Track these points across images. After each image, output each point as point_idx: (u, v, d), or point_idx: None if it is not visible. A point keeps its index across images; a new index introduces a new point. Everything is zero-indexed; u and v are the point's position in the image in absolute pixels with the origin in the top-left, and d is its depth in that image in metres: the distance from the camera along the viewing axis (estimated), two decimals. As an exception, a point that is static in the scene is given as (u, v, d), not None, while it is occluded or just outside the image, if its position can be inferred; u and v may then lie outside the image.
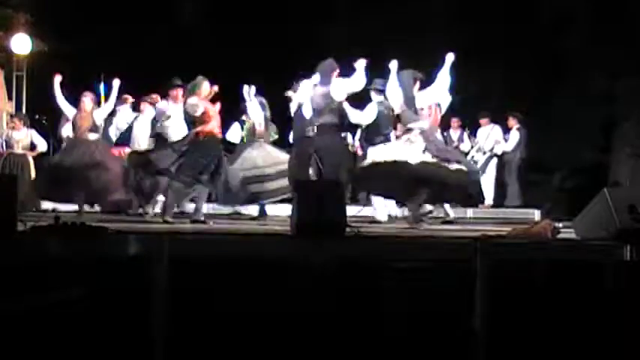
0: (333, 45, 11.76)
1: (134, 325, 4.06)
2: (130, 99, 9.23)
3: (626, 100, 11.01)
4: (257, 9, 12.28)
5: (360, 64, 7.27)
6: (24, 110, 11.14)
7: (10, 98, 11.31)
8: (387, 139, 7.85)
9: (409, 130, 7.07)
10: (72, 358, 4.02)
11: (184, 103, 7.60)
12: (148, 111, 8.68)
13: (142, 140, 8.57)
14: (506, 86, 7.77)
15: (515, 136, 10.65)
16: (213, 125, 7.38)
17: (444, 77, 7.11)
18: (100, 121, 8.22)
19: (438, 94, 7.19)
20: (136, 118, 8.84)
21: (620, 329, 4.15)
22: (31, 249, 4.24)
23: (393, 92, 7.19)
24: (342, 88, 7.33)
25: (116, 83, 8.08)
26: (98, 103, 8.75)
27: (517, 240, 5.09)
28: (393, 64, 7.16)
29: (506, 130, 10.80)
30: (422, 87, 7.20)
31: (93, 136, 8.11)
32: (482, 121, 10.83)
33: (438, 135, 7.73)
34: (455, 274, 4.19)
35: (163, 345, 4.09)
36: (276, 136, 9.15)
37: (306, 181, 7.08)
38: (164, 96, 8.15)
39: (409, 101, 7.07)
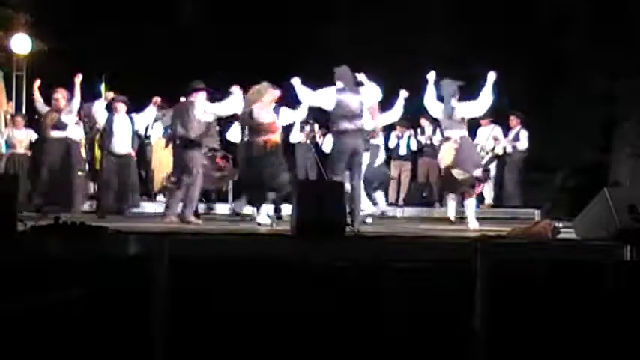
0: (333, 45, 11.77)
1: (134, 325, 4.06)
2: (110, 95, 8.87)
3: (626, 100, 11.01)
4: (257, 9, 12.27)
5: (364, 78, 7.44)
6: (24, 110, 11.14)
7: (10, 98, 11.32)
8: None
9: (448, 138, 7.34)
10: (72, 358, 4.01)
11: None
12: (122, 111, 8.50)
13: (120, 142, 8.41)
14: (507, 86, 7.79)
15: (524, 134, 10.67)
16: (278, 135, 7.36)
17: (486, 95, 7.36)
18: (68, 120, 8.16)
19: (480, 109, 7.54)
20: (111, 117, 8.54)
21: (620, 329, 4.15)
22: (31, 249, 4.24)
23: (432, 101, 7.49)
24: (370, 95, 7.50)
25: (78, 80, 7.96)
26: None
27: (517, 240, 5.09)
28: (431, 75, 7.46)
29: (507, 130, 10.79)
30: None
31: (57, 134, 8.07)
32: (483, 121, 10.81)
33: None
34: (455, 274, 4.19)
35: (163, 345, 4.08)
36: None
37: (306, 181, 7.11)
38: (178, 99, 8.02)
39: (448, 110, 7.33)
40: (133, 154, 8.89)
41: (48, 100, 8.31)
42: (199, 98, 7.62)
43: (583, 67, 11.08)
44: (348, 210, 7.38)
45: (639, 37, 10.48)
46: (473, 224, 7.19)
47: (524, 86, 11.28)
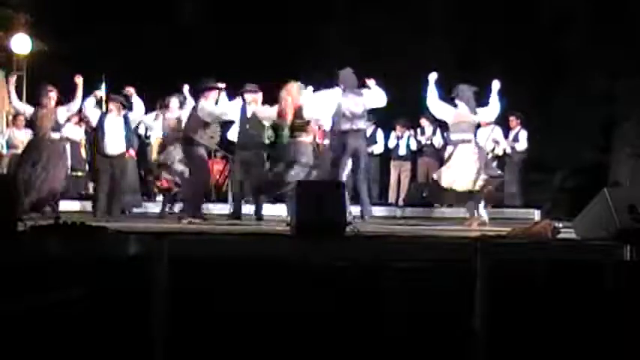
0: (333, 45, 11.78)
1: (134, 325, 4.06)
2: (99, 93, 8.76)
3: (626, 100, 11.02)
4: (257, 9, 12.28)
5: (372, 83, 7.47)
6: (24, 110, 11.14)
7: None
8: None
9: (467, 140, 7.46)
10: (72, 358, 4.02)
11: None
12: (116, 111, 8.42)
13: (111, 142, 8.31)
14: (507, 86, 7.81)
15: (523, 134, 10.67)
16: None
17: (495, 102, 7.62)
18: (62, 120, 8.11)
19: (491, 115, 7.94)
20: (103, 118, 8.45)
21: (620, 329, 4.15)
22: (31, 249, 4.24)
23: (436, 102, 7.54)
24: (373, 100, 7.55)
25: (79, 80, 7.91)
26: (99, 104, 8.73)
27: (517, 240, 5.09)
28: (432, 76, 7.49)
29: (507, 130, 10.79)
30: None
31: (55, 135, 8.01)
32: (482, 122, 10.83)
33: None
34: (455, 274, 4.19)
35: (163, 345, 4.09)
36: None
37: (306, 181, 7.10)
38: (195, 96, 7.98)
39: (474, 113, 7.50)
40: (133, 153, 8.88)
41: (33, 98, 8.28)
42: (211, 97, 7.62)
43: (583, 67, 11.09)
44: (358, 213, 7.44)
45: (639, 37, 10.49)
46: (484, 216, 7.41)
47: (524, 86, 11.28)
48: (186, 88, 8.35)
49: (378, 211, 10.16)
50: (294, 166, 6.99)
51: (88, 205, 9.26)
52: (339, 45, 11.71)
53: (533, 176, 11.13)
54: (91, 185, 10.10)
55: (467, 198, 7.45)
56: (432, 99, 7.52)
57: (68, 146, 8.68)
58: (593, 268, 4.31)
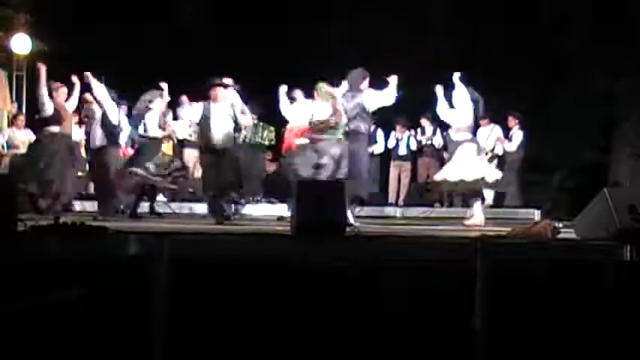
0: (333, 45, 11.78)
1: (134, 325, 4.07)
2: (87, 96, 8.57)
3: (626, 100, 11.04)
4: (257, 9, 12.28)
5: (393, 80, 7.44)
6: (24, 110, 11.15)
7: (12, 99, 11.33)
8: None
9: (469, 140, 7.66)
10: (72, 358, 4.02)
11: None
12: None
13: (94, 137, 8.18)
14: (506, 86, 7.80)
15: (518, 135, 10.67)
16: None
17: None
18: None
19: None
20: (93, 116, 8.32)
21: (620, 329, 4.15)
22: (31, 249, 4.24)
23: (463, 103, 7.63)
24: (375, 99, 7.47)
25: (77, 80, 7.92)
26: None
27: (517, 240, 5.09)
28: (457, 76, 7.56)
29: (507, 130, 10.80)
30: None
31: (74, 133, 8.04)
32: (483, 121, 10.81)
33: None
34: (455, 274, 4.19)
35: (163, 345, 4.09)
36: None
37: (306, 181, 7.09)
38: (204, 96, 7.97)
39: (482, 115, 7.85)
40: (131, 152, 8.86)
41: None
42: (215, 96, 7.62)
43: (583, 67, 11.09)
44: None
45: (639, 37, 10.49)
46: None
47: (524, 86, 11.29)
48: (165, 85, 8.30)
49: (378, 211, 10.18)
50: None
51: (88, 205, 9.25)
52: (340, 45, 11.71)
53: (533, 176, 11.14)
54: (91, 185, 10.10)
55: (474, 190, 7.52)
56: (462, 99, 7.57)
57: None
58: (593, 268, 4.31)
